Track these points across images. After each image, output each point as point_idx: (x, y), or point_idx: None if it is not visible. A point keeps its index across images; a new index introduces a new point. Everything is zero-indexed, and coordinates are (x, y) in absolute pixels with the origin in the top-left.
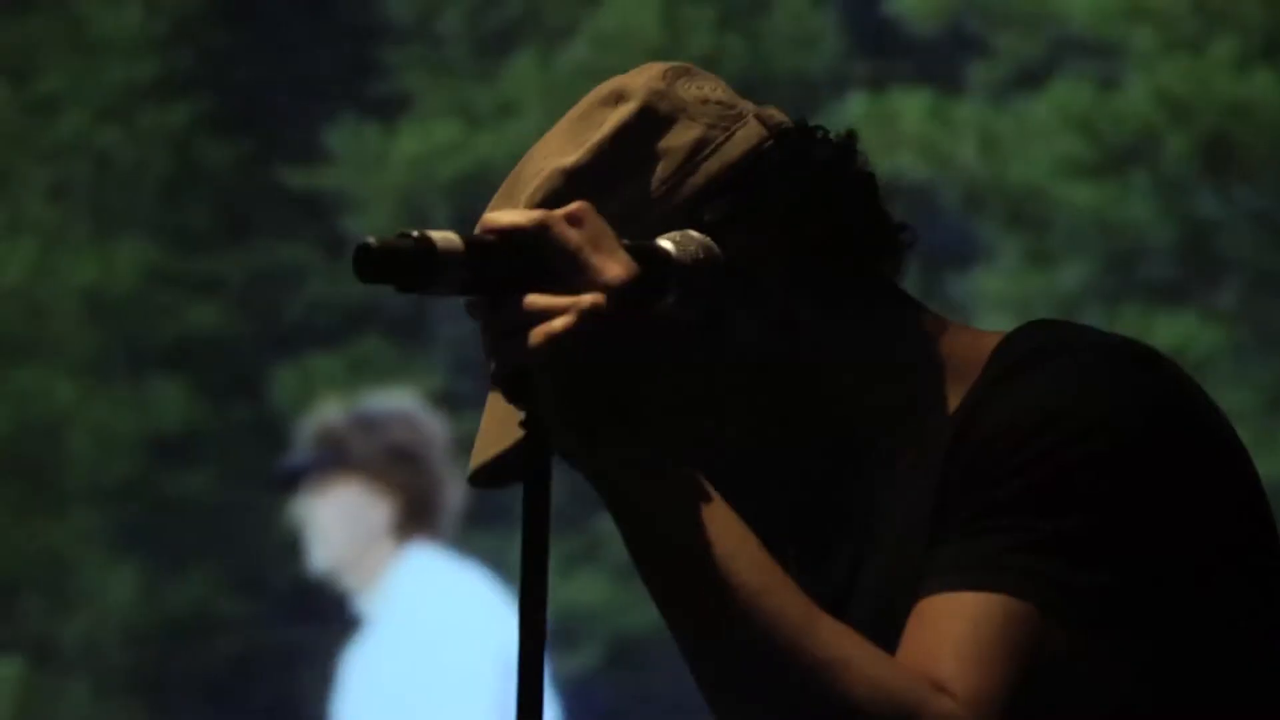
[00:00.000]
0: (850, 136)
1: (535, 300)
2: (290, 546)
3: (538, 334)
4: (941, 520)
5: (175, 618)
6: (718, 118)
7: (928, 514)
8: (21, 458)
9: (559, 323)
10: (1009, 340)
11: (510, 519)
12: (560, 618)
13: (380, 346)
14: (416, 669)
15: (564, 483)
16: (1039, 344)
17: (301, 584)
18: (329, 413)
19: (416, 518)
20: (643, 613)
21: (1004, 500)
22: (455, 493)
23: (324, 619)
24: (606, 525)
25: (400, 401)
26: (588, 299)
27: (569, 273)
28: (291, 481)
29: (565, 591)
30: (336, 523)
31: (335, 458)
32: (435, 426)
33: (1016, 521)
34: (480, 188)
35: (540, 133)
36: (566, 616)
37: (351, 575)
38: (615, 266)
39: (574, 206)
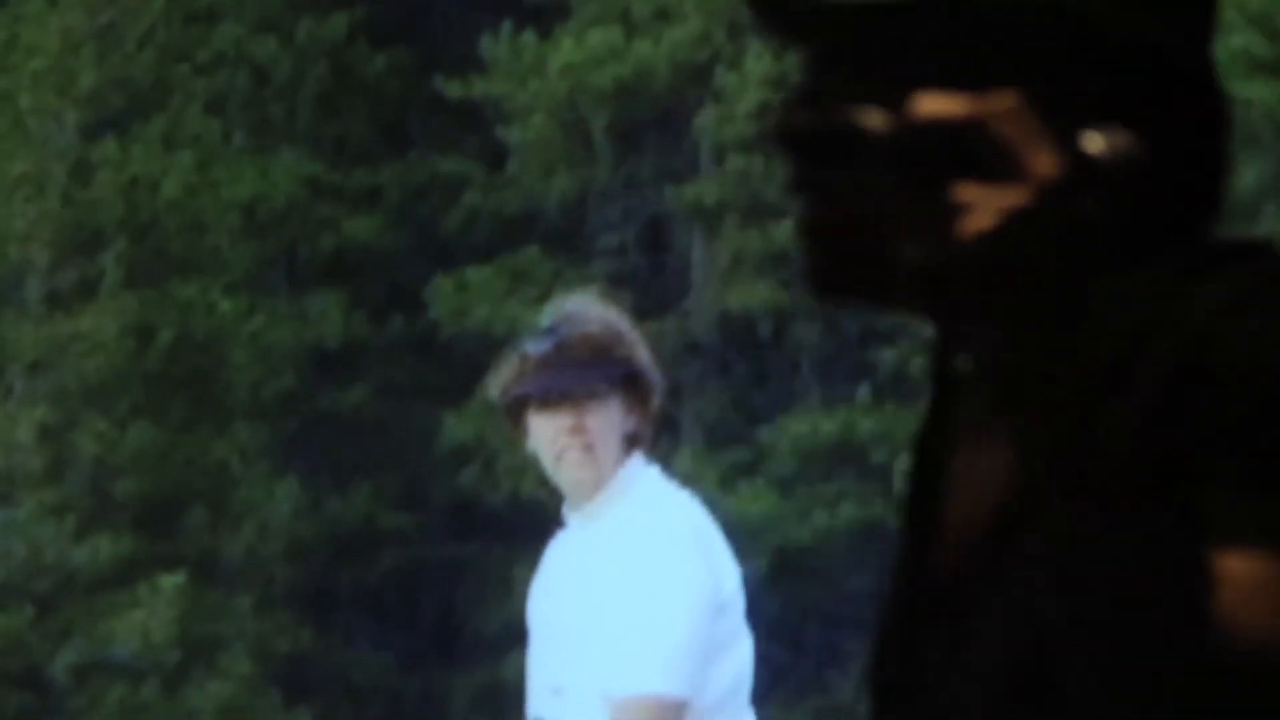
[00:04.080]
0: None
1: (960, 192)
2: (452, 462)
3: (961, 226)
4: (1163, 451)
5: (337, 532)
6: None
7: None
8: (183, 372)
9: (984, 217)
10: (1205, 266)
11: (670, 428)
12: (723, 530)
13: (538, 258)
14: (623, 579)
15: (722, 395)
16: (1257, 274)
17: (462, 499)
18: (588, 322)
19: (646, 434)
20: (806, 525)
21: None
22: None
23: (487, 535)
24: (772, 437)
25: (612, 311)
26: (1015, 194)
27: (999, 166)
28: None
29: (729, 503)
30: (599, 437)
31: (609, 372)
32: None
33: None
34: (639, 94)
35: (699, 37)
36: (730, 528)
37: (583, 489)
38: (1046, 163)
39: (1006, 99)
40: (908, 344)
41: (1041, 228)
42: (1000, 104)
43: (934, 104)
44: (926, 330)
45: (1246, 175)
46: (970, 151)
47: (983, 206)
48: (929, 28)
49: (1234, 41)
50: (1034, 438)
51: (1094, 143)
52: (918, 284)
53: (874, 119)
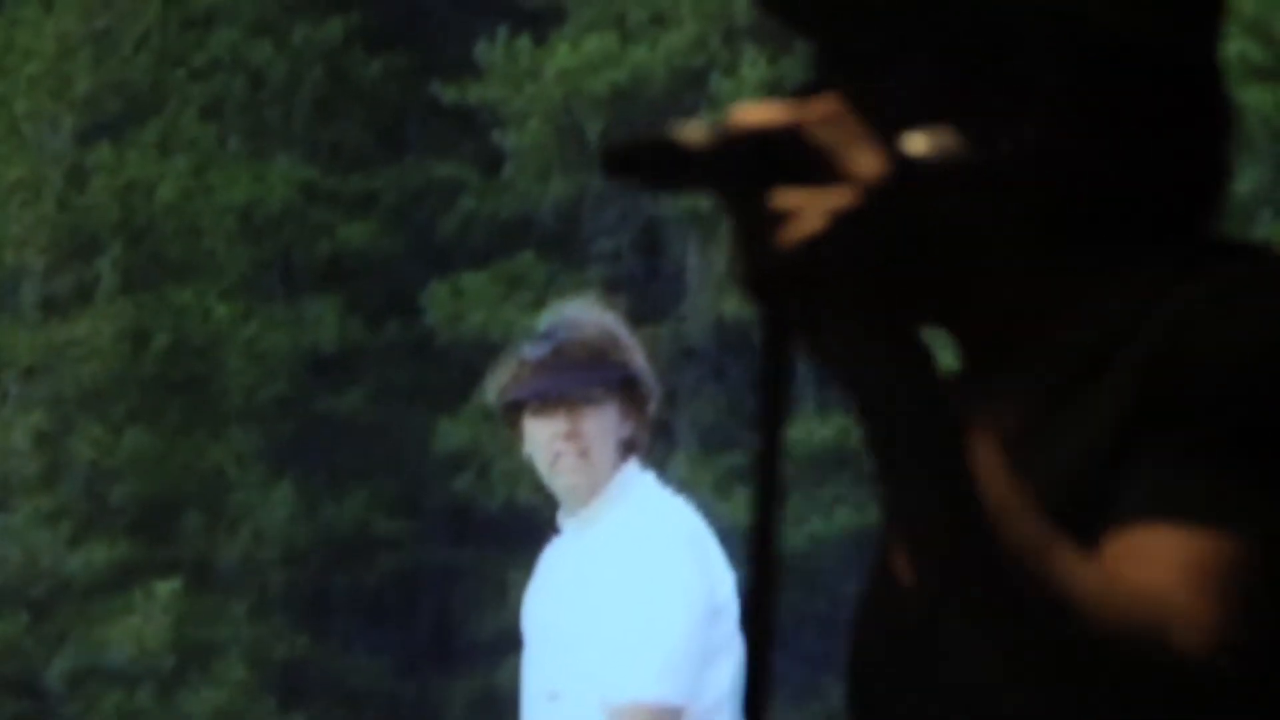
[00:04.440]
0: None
1: (784, 198)
2: (448, 467)
3: (786, 233)
4: (1129, 440)
5: (332, 537)
6: None
7: (1066, 423)
8: (179, 377)
9: (809, 222)
10: (1197, 260)
11: (667, 434)
12: (718, 536)
13: (533, 263)
14: (619, 585)
15: (718, 400)
16: (1244, 269)
17: (458, 504)
18: (585, 327)
19: (640, 440)
20: (801, 532)
21: (1223, 430)
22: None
23: (483, 540)
24: None
25: (609, 316)
26: (840, 196)
27: (821, 171)
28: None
29: (723, 510)
30: (594, 442)
31: (605, 377)
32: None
33: (1238, 454)
34: (634, 99)
35: (695, 43)
36: (726, 534)
37: (578, 494)
38: (870, 164)
39: (827, 102)
40: None
41: (869, 228)
42: (819, 109)
43: (752, 113)
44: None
45: (1242, 180)
46: (791, 159)
47: (808, 211)
48: (920, 28)
49: (1230, 47)
50: (1011, 438)
51: (915, 143)
52: (751, 293)
53: (694, 133)
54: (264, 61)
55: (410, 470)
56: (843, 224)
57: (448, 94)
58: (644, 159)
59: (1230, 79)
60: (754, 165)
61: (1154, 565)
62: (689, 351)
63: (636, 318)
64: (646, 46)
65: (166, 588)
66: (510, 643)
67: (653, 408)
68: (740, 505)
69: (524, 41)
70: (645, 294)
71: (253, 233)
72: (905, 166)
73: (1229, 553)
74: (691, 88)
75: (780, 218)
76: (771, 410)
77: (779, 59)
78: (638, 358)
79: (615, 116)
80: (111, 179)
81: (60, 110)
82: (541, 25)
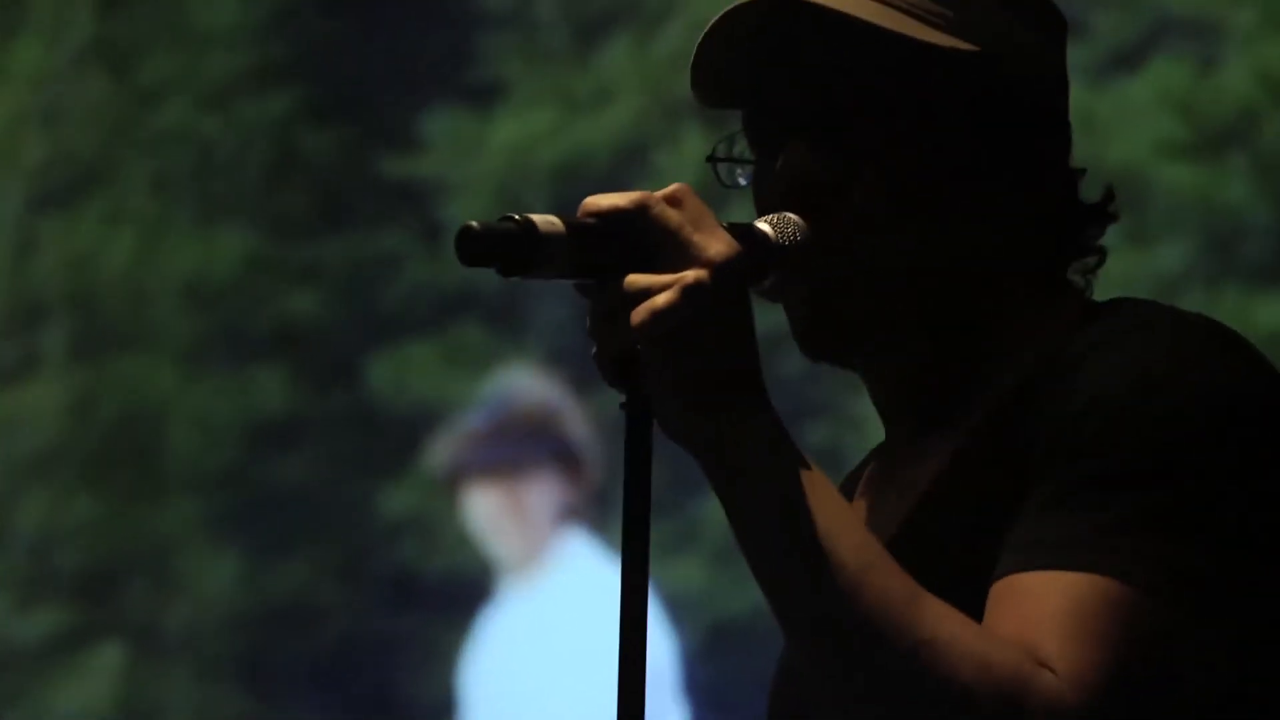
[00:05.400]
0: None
1: (637, 279)
2: (391, 534)
3: (640, 311)
4: (1015, 490)
5: (276, 605)
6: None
7: (974, 478)
8: (124, 446)
9: (662, 299)
10: (1089, 315)
11: (607, 502)
12: (659, 602)
13: (476, 333)
14: (558, 653)
15: (663, 466)
16: (1126, 320)
17: (402, 572)
18: (522, 398)
19: (579, 508)
20: (741, 597)
21: (1097, 475)
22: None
23: (426, 607)
24: (705, 510)
25: (549, 388)
26: (690, 275)
27: (670, 253)
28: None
29: (664, 576)
30: (533, 511)
31: (545, 447)
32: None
33: (1112, 498)
34: (578, 175)
35: (638, 118)
36: (665, 601)
37: (518, 562)
38: (716, 244)
39: (674, 188)
40: (839, 420)
41: (717, 302)
42: (666, 193)
43: (602, 200)
44: (858, 407)
45: (1171, 256)
46: (641, 242)
47: (658, 289)
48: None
49: (1158, 126)
50: (931, 499)
51: (765, 225)
52: (607, 374)
53: (547, 222)
54: (212, 134)
55: (353, 537)
56: (691, 297)
57: (390, 167)
58: (499, 247)
59: (1159, 157)
60: (606, 249)
61: (1028, 614)
62: None
63: (579, 388)
64: (589, 121)
65: (111, 653)
66: (452, 708)
67: (592, 476)
68: (680, 571)
69: (467, 116)
70: (587, 364)
71: (199, 302)
72: (755, 246)
73: (1108, 598)
74: (633, 161)
75: (633, 298)
76: (636, 490)
77: (720, 131)
78: (577, 427)
79: (558, 190)
80: (60, 249)
81: (9, 181)
82: (485, 100)
